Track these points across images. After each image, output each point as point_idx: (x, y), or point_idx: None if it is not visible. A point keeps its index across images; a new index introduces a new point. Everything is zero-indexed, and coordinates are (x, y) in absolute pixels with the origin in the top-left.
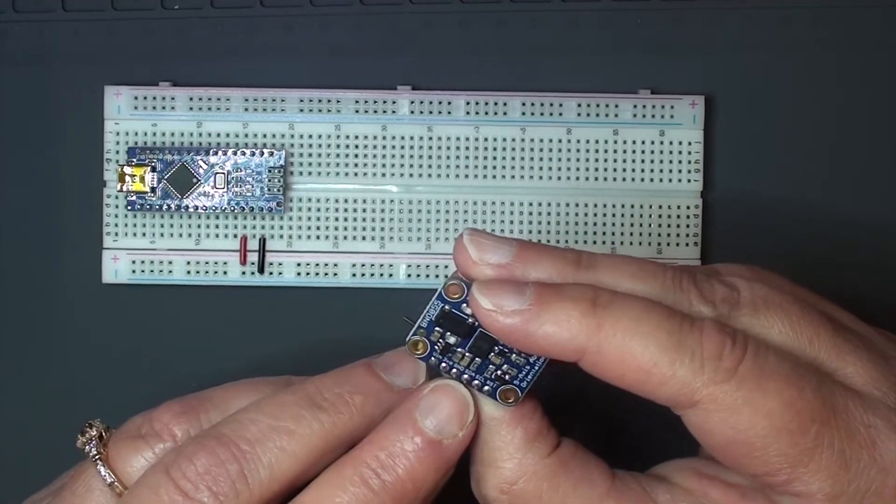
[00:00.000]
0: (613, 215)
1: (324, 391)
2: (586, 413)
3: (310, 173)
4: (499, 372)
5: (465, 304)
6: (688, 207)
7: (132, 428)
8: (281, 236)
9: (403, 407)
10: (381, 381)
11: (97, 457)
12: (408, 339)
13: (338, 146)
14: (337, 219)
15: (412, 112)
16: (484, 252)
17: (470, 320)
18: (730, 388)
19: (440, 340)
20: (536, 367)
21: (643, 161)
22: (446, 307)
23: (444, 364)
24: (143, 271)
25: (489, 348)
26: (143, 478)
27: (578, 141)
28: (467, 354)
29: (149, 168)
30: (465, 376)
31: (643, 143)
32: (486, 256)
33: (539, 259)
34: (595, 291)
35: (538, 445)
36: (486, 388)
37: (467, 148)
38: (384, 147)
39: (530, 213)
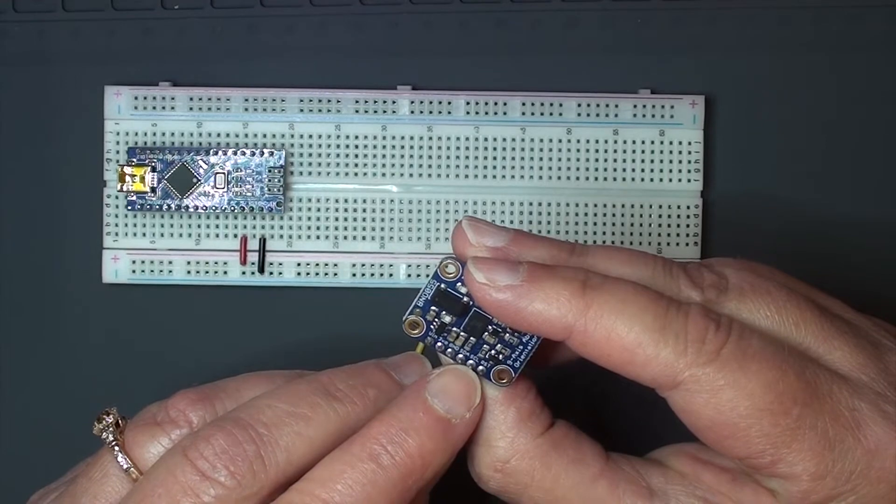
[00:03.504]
0: (613, 215)
1: (338, 382)
2: (583, 395)
3: (310, 173)
4: (493, 352)
5: (460, 284)
6: (688, 207)
7: (148, 415)
8: (281, 236)
9: (413, 387)
10: (392, 378)
11: (114, 443)
12: (404, 318)
13: (338, 146)
14: (337, 219)
15: (412, 112)
16: (481, 235)
17: (465, 299)
18: (712, 370)
19: (436, 320)
20: (529, 347)
21: (643, 161)
22: (442, 286)
23: (439, 343)
24: (143, 271)
25: (483, 327)
26: (161, 460)
27: (578, 141)
28: (462, 334)
29: (149, 168)
30: (460, 356)
31: (643, 142)
32: (482, 239)
33: (534, 245)
34: (586, 274)
35: (531, 425)
36: (481, 367)
37: (467, 148)
38: (384, 147)
39: (530, 213)
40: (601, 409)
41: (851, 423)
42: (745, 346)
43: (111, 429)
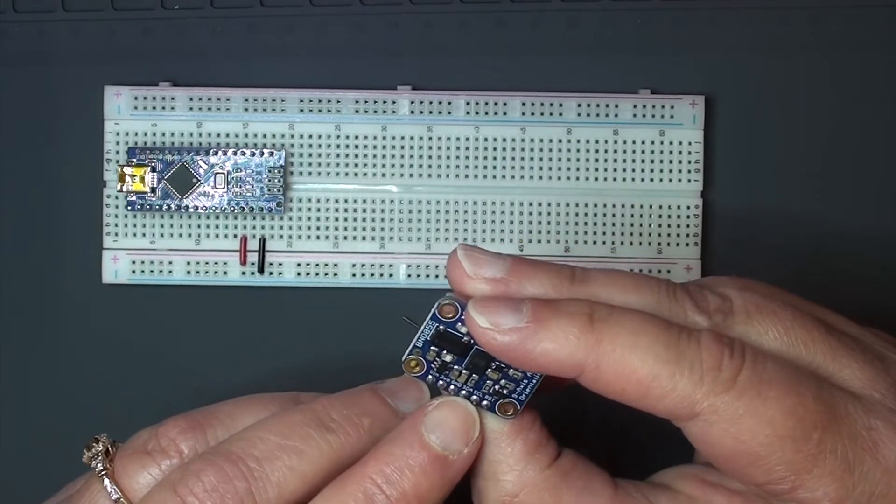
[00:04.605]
0: (613, 215)
1: (332, 412)
2: (585, 422)
3: (310, 173)
4: (496, 387)
5: (459, 323)
6: (688, 207)
7: (138, 443)
8: (281, 236)
9: (408, 422)
10: (388, 405)
11: (103, 472)
12: (403, 358)
13: (338, 146)
14: (337, 219)
15: (412, 112)
16: (479, 266)
17: (465, 338)
18: (730, 399)
19: (437, 359)
20: (534, 381)
21: (643, 161)
22: (441, 327)
23: (441, 381)
24: (143, 271)
25: (486, 364)
26: (150, 495)
27: (578, 141)
28: (464, 371)
29: (149, 168)
30: (463, 392)
31: (643, 143)
32: (480, 271)
33: (534, 273)
34: (591, 306)
35: (538, 457)
36: (485, 402)
37: (467, 148)
38: (384, 147)
39: (530, 213)
40: (599, 433)
41: (869, 443)
42: (761, 371)
43: (100, 457)
